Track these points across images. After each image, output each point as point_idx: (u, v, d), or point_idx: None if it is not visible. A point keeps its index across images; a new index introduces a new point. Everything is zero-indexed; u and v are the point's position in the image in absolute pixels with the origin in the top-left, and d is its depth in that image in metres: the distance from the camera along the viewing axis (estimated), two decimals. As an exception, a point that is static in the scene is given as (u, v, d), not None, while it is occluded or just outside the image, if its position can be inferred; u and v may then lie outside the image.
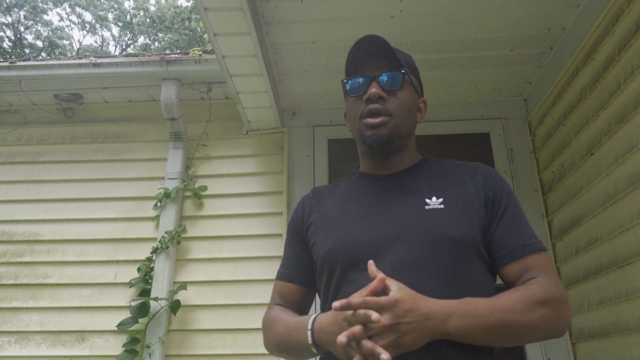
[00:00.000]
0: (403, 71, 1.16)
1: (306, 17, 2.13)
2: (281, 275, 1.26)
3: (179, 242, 2.60)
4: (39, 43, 16.54)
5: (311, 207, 1.24)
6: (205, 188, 2.73)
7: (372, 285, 0.92)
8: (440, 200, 1.09)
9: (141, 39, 17.98)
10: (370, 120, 1.13)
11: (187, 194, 2.74)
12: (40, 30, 16.49)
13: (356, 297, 0.90)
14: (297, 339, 1.05)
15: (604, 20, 1.90)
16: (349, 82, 1.19)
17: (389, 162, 1.20)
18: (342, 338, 0.86)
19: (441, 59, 2.41)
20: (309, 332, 1.02)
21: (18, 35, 15.80)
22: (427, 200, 1.09)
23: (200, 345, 2.43)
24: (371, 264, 0.96)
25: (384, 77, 1.15)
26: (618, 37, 1.81)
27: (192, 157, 2.82)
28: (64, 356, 2.47)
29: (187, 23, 16.36)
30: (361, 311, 0.87)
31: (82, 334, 2.51)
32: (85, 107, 3.03)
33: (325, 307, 1.13)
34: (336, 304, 0.88)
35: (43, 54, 16.23)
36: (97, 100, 3.00)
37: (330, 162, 2.77)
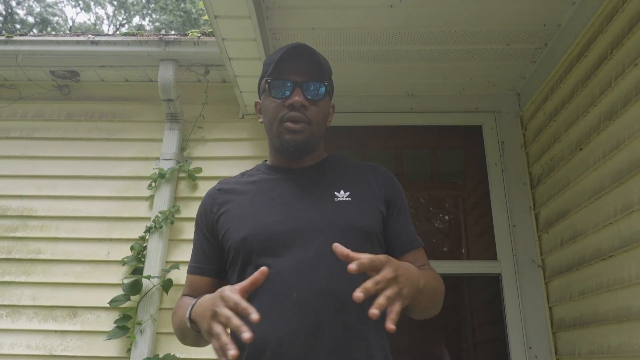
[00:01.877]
0: (326, 83, 1.24)
1: (307, 3, 2.14)
2: (191, 269, 1.28)
3: (172, 223, 2.63)
4: (31, 19, 16.28)
5: (220, 198, 1.27)
6: (200, 170, 2.75)
7: (253, 276, 0.92)
8: (347, 193, 1.19)
9: (136, 19, 17.76)
10: (291, 125, 1.19)
11: (182, 175, 2.76)
12: (32, 6, 16.23)
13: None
14: (181, 316, 1.09)
15: (599, 19, 1.95)
16: (273, 82, 1.21)
17: (300, 160, 1.28)
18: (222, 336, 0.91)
19: (438, 50, 2.44)
20: (189, 308, 1.05)
21: (9, 10, 15.54)
22: (336, 193, 1.19)
23: (191, 324, 2.47)
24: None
25: (309, 86, 1.21)
26: (611, 36, 1.86)
27: (188, 138, 2.84)
28: (56, 330, 2.50)
29: (182, 5, 16.19)
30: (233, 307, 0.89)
31: (74, 310, 2.54)
32: (81, 84, 3.03)
33: None
34: (342, 251, 0.90)
35: (35, 30, 15.99)
36: (94, 78, 2.99)
37: (324, 148, 2.80)
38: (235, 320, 0.87)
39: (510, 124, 2.75)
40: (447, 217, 2.83)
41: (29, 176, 2.81)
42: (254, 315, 0.85)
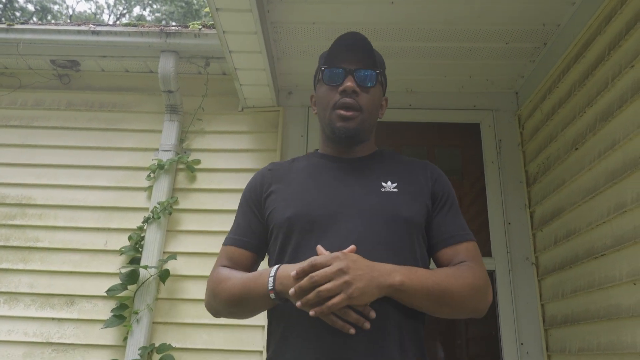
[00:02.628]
0: (377, 71, 1.26)
1: (308, -3, 2.15)
2: (232, 241, 1.28)
3: (170, 213, 2.65)
4: (31, 7, 16.19)
5: (271, 178, 1.30)
6: (198, 162, 2.77)
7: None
8: (395, 185, 1.22)
9: (136, 9, 17.69)
10: (343, 112, 1.22)
11: (181, 166, 2.78)
12: (32, -7, 16.15)
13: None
14: (254, 287, 1.10)
15: (597, 19, 1.96)
16: (327, 70, 1.26)
17: (352, 150, 1.31)
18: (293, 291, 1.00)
19: (438, 47, 2.46)
20: (270, 279, 1.07)
21: (9, -3, 15.45)
22: (383, 184, 1.22)
23: (187, 314, 2.50)
24: (319, 248, 1.07)
25: (361, 73, 1.24)
26: (609, 37, 1.87)
27: (187, 130, 2.85)
28: (53, 318, 2.52)
29: (183, -5, 16.10)
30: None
31: (71, 298, 2.56)
32: (81, 74, 3.03)
33: None
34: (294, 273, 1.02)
35: (34, 18, 15.91)
36: (94, 68, 3.00)
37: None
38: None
39: (507, 122, 2.77)
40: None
41: (28, 165, 2.82)
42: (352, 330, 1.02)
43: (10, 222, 2.70)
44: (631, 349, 1.65)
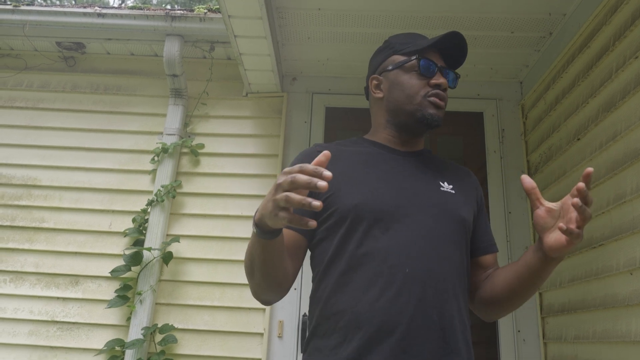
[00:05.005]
0: (459, 75, 1.32)
1: (314, -17, 2.15)
2: None
3: (174, 197, 2.68)
4: (36, -13, 16.09)
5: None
6: (202, 146, 2.79)
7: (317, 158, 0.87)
8: (451, 186, 1.24)
9: (141, -8, 17.54)
10: (437, 101, 1.24)
11: (185, 150, 2.80)
12: (37, -26, 16.03)
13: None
14: (250, 245, 1.03)
15: (603, 9, 1.95)
16: (423, 60, 1.25)
17: (411, 142, 1.31)
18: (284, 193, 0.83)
19: (443, 35, 2.45)
20: (254, 217, 0.98)
21: (15, -22, 15.35)
22: (441, 183, 1.24)
23: (190, 296, 2.54)
24: None
25: (452, 76, 1.30)
26: (614, 27, 1.87)
27: (191, 114, 2.87)
28: (58, 297, 2.57)
29: (189, -22, 15.96)
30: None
31: (76, 278, 2.60)
32: (87, 56, 3.04)
33: (339, 261, 1.12)
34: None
35: (40, -1, 15.82)
36: (100, 51, 3.01)
37: (327, 129, 2.84)
38: (303, 177, 0.80)
39: (511, 111, 2.77)
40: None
41: (34, 146, 2.84)
42: (326, 172, 0.80)
43: (16, 203, 2.74)
44: (625, 337, 1.68)
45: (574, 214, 0.96)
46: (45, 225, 2.69)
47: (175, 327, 2.46)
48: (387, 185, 1.18)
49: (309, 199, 0.79)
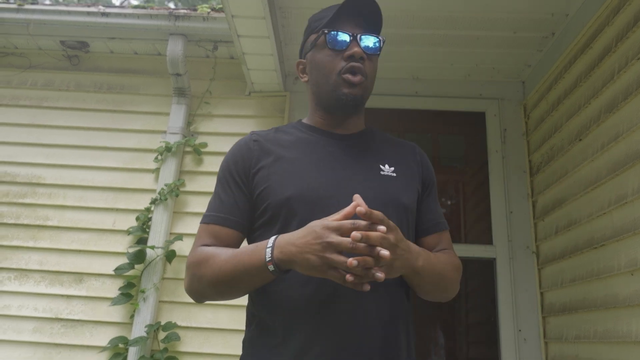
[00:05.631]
0: (383, 38, 1.21)
1: (317, -17, 2.15)
2: (216, 219, 1.17)
3: (177, 195, 2.69)
4: (39, -15, 16.12)
5: (259, 150, 1.19)
6: (205, 145, 2.80)
7: (347, 209, 0.96)
8: (392, 169, 1.21)
9: (144, -10, 17.56)
10: (350, 77, 1.15)
11: (188, 149, 2.81)
12: (41, -28, 16.05)
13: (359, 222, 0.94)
14: (249, 261, 1.02)
15: (606, 10, 1.96)
16: (331, 34, 1.17)
17: (346, 122, 1.25)
18: (353, 261, 0.89)
19: (446, 35, 2.46)
20: (268, 250, 0.99)
21: (18, -25, 15.39)
22: (381, 167, 1.20)
23: (192, 294, 2.55)
24: (357, 197, 0.99)
25: (368, 40, 1.18)
26: (617, 28, 1.87)
27: (195, 113, 2.88)
28: (62, 295, 2.58)
29: (192, -23, 15.96)
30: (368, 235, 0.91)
31: (79, 276, 2.62)
32: (90, 55, 3.06)
33: None
34: (361, 209, 0.92)
35: (43, -4, 15.85)
36: (103, 49, 3.02)
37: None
38: (364, 247, 0.91)
39: (513, 111, 2.78)
40: (446, 201, 2.88)
41: (38, 144, 2.86)
42: (379, 274, 0.92)
43: (20, 201, 2.76)
44: (626, 337, 1.69)
45: None
46: (49, 223, 2.71)
47: (178, 324, 2.48)
48: (321, 174, 1.14)
49: (373, 262, 0.91)
